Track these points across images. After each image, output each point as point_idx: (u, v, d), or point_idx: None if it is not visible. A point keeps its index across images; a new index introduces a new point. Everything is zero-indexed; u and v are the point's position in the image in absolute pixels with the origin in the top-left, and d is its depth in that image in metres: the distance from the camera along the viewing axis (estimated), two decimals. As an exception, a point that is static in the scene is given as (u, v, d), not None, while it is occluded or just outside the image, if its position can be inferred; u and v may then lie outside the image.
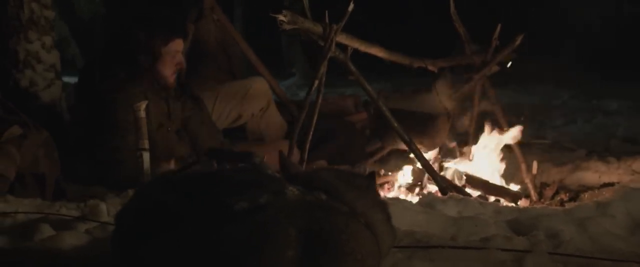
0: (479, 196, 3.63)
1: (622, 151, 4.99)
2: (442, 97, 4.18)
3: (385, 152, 4.70)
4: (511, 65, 4.39)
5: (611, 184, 3.89)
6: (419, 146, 3.63)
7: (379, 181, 3.98)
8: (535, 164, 4.01)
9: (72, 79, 6.97)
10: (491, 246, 2.24)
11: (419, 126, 4.06)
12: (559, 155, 4.89)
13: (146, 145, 3.14)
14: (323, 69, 3.33)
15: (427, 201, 3.02)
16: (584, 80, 10.06)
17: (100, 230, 2.43)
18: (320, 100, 3.39)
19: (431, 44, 6.36)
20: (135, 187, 3.04)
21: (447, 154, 4.31)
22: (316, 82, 3.34)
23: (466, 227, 2.60)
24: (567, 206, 3.42)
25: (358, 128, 4.99)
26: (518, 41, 4.22)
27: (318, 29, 3.31)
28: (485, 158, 3.97)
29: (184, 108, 3.84)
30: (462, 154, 4.14)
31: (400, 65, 4.13)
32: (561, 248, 2.32)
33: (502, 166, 4.02)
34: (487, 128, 4.01)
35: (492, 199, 3.67)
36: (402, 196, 3.74)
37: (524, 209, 3.23)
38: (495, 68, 4.28)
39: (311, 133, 3.41)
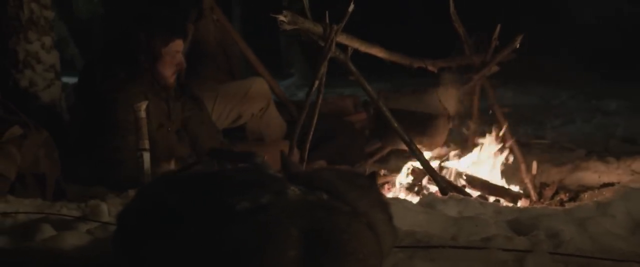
0: (478, 196, 3.63)
1: (621, 151, 4.99)
2: (446, 99, 4.18)
3: (384, 152, 4.70)
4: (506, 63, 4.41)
5: (611, 184, 3.89)
6: (418, 146, 3.63)
7: (379, 181, 3.98)
8: (534, 164, 4.01)
9: (71, 80, 6.97)
10: (492, 246, 2.25)
11: (419, 126, 4.07)
12: (559, 155, 4.90)
13: (146, 145, 3.14)
14: (323, 69, 3.33)
15: (428, 201, 3.02)
16: (583, 80, 10.06)
17: (102, 230, 2.43)
18: (320, 101, 3.40)
19: (431, 45, 6.36)
20: (136, 187, 3.05)
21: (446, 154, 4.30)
22: (316, 82, 3.34)
23: (467, 227, 2.60)
24: (567, 206, 3.42)
25: (357, 128, 4.99)
26: (517, 41, 4.23)
27: (318, 29, 3.31)
28: (485, 158, 3.98)
29: (184, 108, 3.85)
30: (461, 154, 4.14)
31: (399, 66, 4.13)
32: (562, 248, 2.33)
33: (500, 165, 4.03)
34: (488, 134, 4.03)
35: (492, 199, 3.67)
36: (402, 195, 3.75)
37: (524, 209, 3.23)
38: (494, 68, 4.29)
39: (311, 133, 3.41)
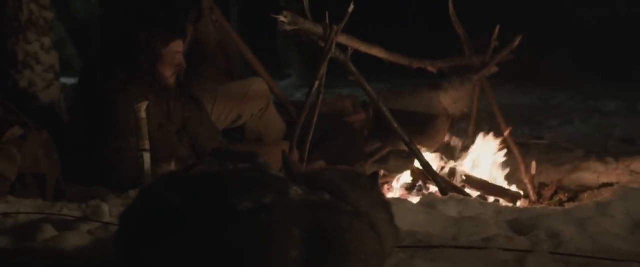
0: (478, 196, 3.63)
1: (620, 151, 5.00)
2: (445, 101, 4.18)
3: (384, 152, 4.70)
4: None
5: (610, 184, 3.90)
6: (418, 146, 3.64)
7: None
8: (533, 165, 4.02)
9: (69, 80, 6.98)
10: (493, 246, 2.25)
11: (419, 126, 4.07)
12: (557, 155, 4.91)
13: (147, 145, 3.14)
14: (323, 69, 3.33)
15: (428, 201, 3.03)
16: (580, 80, 10.07)
17: (103, 230, 2.44)
18: (320, 101, 3.40)
19: (430, 45, 6.37)
20: (136, 187, 3.05)
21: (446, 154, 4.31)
22: (316, 82, 3.34)
23: (467, 227, 2.61)
24: (567, 206, 3.42)
25: (356, 128, 4.99)
26: (517, 42, 4.24)
27: (318, 29, 3.31)
28: (484, 158, 3.98)
29: (184, 108, 3.85)
30: (461, 154, 4.14)
31: (398, 66, 4.14)
32: (562, 248, 2.34)
33: (501, 163, 4.03)
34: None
35: (491, 199, 3.68)
36: (399, 191, 3.77)
37: (524, 209, 3.24)
38: (494, 69, 4.30)
39: (311, 133, 3.42)
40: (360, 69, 3.51)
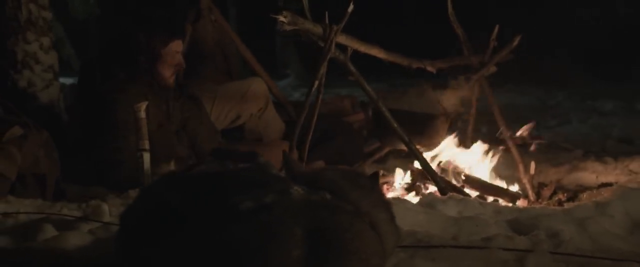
0: (477, 196, 3.64)
1: (619, 151, 5.00)
2: (449, 100, 4.19)
3: (383, 152, 4.71)
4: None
5: (609, 184, 3.90)
6: (417, 146, 3.64)
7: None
8: (533, 165, 4.02)
9: (67, 80, 6.97)
10: (493, 246, 2.26)
11: (418, 126, 4.08)
12: (556, 155, 4.91)
13: (146, 145, 3.14)
14: (323, 69, 3.34)
15: (428, 201, 3.03)
16: (578, 80, 10.08)
17: (103, 230, 2.44)
18: (319, 101, 3.41)
19: (429, 45, 6.38)
20: (136, 187, 3.06)
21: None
22: (316, 82, 3.35)
23: (467, 227, 2.61)
24: (566, 206, 3.43)
25: (355, 128, 5.00)
26: (516, 42, 4.25)
27: (318, 29, 3.31)
28: (484, 158, 3.99)
29: (183, 109, 3.85)
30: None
31: (398, 67, 4.14)
32: (561, 247, 2.34)
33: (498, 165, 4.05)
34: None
35: (490, 199, 3.69)
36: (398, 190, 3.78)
37: (524, 209, 3.25)
38: (493, 69, 4.31)
39: (311, 133, 3.42)
40: (360, 69, 3.51)
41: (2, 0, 4.15)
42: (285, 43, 12.99)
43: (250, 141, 4.45)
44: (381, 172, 4.27)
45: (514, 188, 3.91)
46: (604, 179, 4.21)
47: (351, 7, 3.30)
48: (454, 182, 3.77)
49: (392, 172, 4.11)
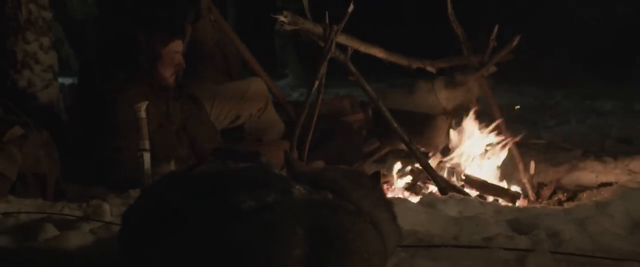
0: (477, 195, 3.64)
1: (617, 151, 5.00)
2: (439, 97, 4.20)
3: (383, 152, 4.71)
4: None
5: (609, 184, 3.90)
6: (418, 146, 3.65)
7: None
8: (532, 164, 4.03)
9: (66, 80, 6.97)
10: (494, 245, 2.26)
11: (418, 126, 4.08)
12: (555, 155, 4.91)
13: (147, 145, 3.14)
14: (323, 69, 3.34)
15: (428, 200, 3.04)
16: (577, 80, 10.09)
17: (104, 230, 2.44)
18: (320, 101, 3.41)
19: (429, 45, 6.38)
20: (136, 187, 3.06)
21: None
22: (316, 82, 3.35)
23: (468, 227, 2.62)
24: (566, 205, 3.44)
25: (355, 128, 5.00)
26: (515, 42, 4.25)
27: (318, 29, 3.32)
28: (483, 158, 3.99)
29: (183, 109, 3.85)
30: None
31: (397, 67, 4.14)
32: (562, 247, 2.35)
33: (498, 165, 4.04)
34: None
35: (490, 198, 3.69)
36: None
37: (524, 208, 3.25)
38: (492, 69, 4.31)
39: (311, 133, 3.42)
40: (360, 69, 3.51)
41: (2, 0, 4.15)
42: (284, 43, 12.98)
43: (250, 140, 4.46)
44: (382, 171, 4.28)
45: (513, 188, 3.91)
46: (603, 178, 4.21)
47: (351, 7, 3.31)
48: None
49: (392, 172, 4.11)
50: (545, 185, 4.10)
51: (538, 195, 3.99)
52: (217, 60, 4.87)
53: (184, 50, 3.89)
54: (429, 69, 4.26)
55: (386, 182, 4.04)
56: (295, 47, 12.64)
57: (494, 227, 2.64)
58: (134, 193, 3.05)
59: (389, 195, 3.60)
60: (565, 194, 3.91)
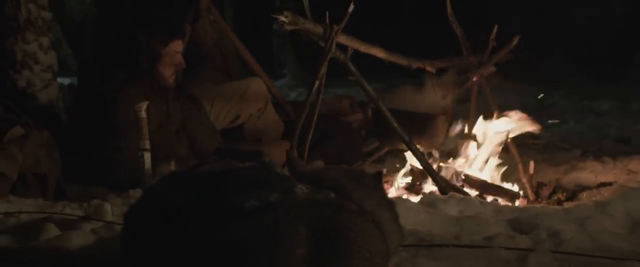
0: (477, 195, 3.65)
1: (615, 151, 5.01)
2: (435, 96, 4.21)
3: (382, 152, 4.72)
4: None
5: (608, 184, 3.91)
6: (417, 146, 3.65)
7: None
8: (532, 164, 4.03)
9: (65, 80, 6.96)
10: (495, 245, 2.27)
11: (418, 126, 4.09)
12: (554, 155, 4.92)
13: (147, 145, 3.14)
14: (323, 69, 3.35)
15: (429, 200, 3.04)
16: (575, 80, 10.09)
17: (106, 229, 2.44)
18: (320, 101, 3.41)
19: (429, 45, 6.39)
20: (136, 187, 3.06)
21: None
22: (316, 82, 3.35)
23: (468, 226, 2.62)
24: (566, 205, 3.44)
25: (354, 128, 5.00)
26: (515, 42, 4.26)
27: (319, 29, 3.32)
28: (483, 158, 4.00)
29: (183, 109, 3.85)
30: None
31: (397, 66, 4.15)
32: (562, 247, 2.36)
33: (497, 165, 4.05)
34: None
35: (490, 198, 3.69)
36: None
37: (524, 208, 3.26)
38: (492, 69, 4.32)
39: (311, 133, 3.43)
40: (360, 69, 3.52)
41: (2, 0, 4.15)
42: (282, 43, 12.97)
43: (250, 140, 4.46)
44: (384, 171, 4.28)
45: (513, 187, 3.92)
46: (603, 178, 4.22)
47: (351, 7, 3.31)
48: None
49: (392, 172, 4.11)
50: (545, 185, 4.10)
51: (537, 195, 3.99)
52: (216, 60, 4.87)
53: (183, 51, 3.90)
54: (429, 69, 4.27)
55: (387, 181, 4.05)
56: (293, 47, 12.64)
57: (494, 227, 2.64)
58: (134, 193, 3.05)
59: (389, 195, 3.61)
60: (564, 194, 3.92)
